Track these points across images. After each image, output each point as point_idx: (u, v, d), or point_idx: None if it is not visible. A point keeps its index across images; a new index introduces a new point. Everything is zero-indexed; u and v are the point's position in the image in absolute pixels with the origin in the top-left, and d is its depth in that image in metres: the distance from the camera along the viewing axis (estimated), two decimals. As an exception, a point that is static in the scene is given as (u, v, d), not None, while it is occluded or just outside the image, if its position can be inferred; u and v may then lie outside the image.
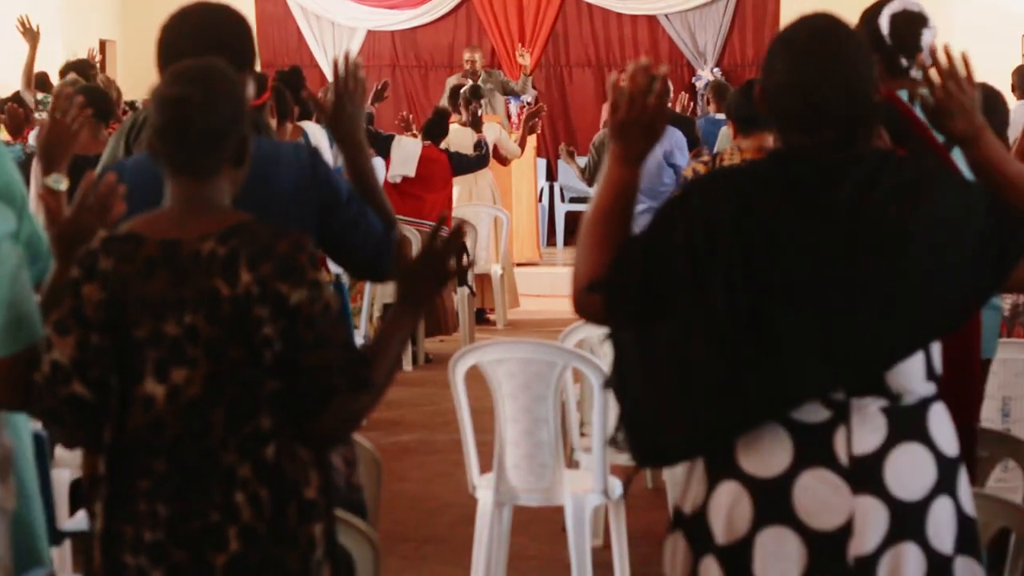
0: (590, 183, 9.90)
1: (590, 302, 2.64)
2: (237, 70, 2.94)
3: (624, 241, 2.64)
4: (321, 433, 2.59)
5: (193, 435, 2.52)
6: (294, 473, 2.55)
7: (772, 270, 2.51)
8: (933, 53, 2.93)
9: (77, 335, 2.54)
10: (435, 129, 10.12)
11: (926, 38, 3.78)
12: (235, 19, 3.15)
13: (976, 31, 12.10)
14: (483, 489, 4.77)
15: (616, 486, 4.79)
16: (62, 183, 3.63)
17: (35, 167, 3.99)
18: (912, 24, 3.78)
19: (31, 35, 9.98)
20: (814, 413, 2.54)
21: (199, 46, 2.96)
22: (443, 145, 10.09)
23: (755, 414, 2.53)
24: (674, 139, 8.28)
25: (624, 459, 5.16)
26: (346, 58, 3.28)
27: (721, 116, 9.67)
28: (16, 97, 9.70)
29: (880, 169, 2.57)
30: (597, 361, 4.73)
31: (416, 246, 2.82)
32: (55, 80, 10.08)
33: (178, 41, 3.06)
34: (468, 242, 9.15)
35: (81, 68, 9.65)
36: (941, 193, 2.56)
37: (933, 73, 2.88)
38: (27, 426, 3.33)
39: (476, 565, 4.76)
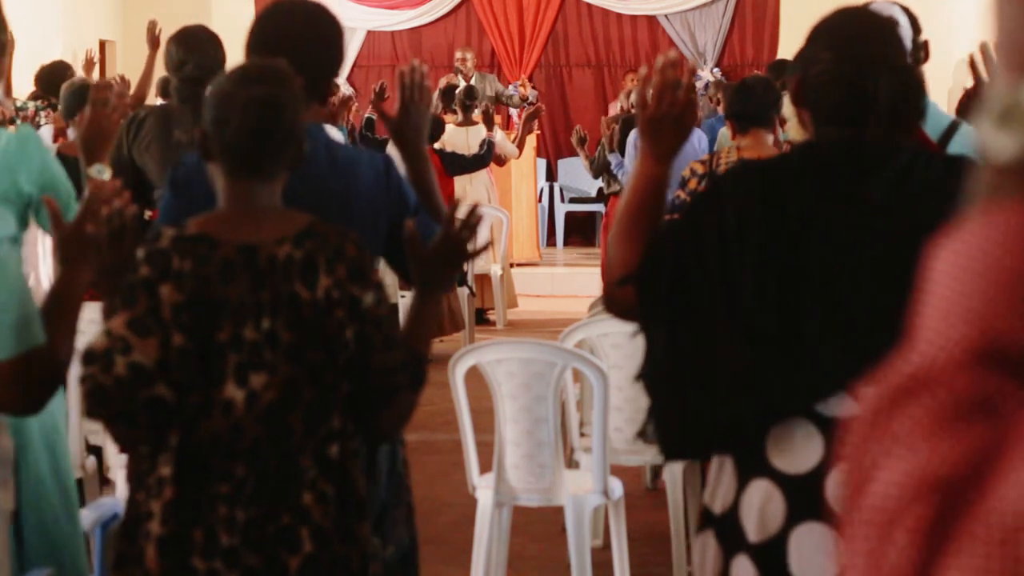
0: (596, 175, 9.93)
1: (622, 296, 2.63)
2: (327, 72, 3.02)
3: (655, 235, 2.64)
4: (380, 430, 2.64)
5: (272, 439, 2.52)
6: (354, 471, 2.58)
7: (802, 261, 2.50)
8: (983, 49, 2.90)
9: (159, 336, 2.51)
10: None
11: (901, 33, 3.78)
12: (329, 20, 3.16)
13: (976, 32, 12.07)
14: (483, 489, 4.77)
15: (616, 487, 4.78)
16: (106, 172, 3.65)
17: None
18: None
19: (89, 65, 9.99)
20: (844, 407, 2.53)
21: (296, 44, 2.99)
22: (437, 146, 10.10)
23: (782, 407, 2.52)
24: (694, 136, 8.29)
25: (624, 459, 5.17)
26: (412, 68, 3.26)
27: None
28: None
29: (912, 164, 2.56)
30: (597, 361, 4.73)
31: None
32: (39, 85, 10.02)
33: (273, 37, 3.07)
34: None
35: (59, 71, 9.60)
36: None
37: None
38: (60, 426, 3.31)
39: (476, 565, 4.75)
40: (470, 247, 2.75)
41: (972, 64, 2.89)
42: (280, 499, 2.52)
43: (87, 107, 3.74)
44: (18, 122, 8.35)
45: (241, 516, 2.51)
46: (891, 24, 2.65)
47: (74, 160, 5.79)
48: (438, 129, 10.08)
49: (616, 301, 2.67)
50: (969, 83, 2.91)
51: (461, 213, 2.75)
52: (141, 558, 2.54)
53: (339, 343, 2.53)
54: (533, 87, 14.24)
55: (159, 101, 12.02)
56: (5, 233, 2.76)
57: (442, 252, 2.74)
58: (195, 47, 5.11)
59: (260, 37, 3.10)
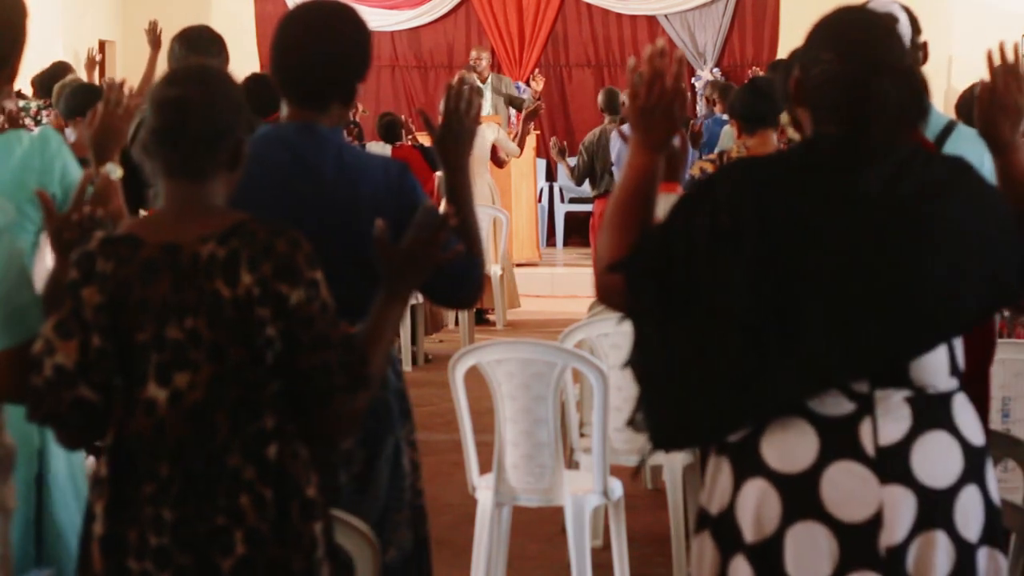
0: (579, 183, 9.91)
1: (611, 283, 2.63)
2: (352, 75, 3.02)
3: (647, 225, 2.64)
4: (321, 432, 2.59)
5: (197, 439, 2.51)
6: (296, 472, 2.55)
7: (798, 257, 2.50)
8: (1002, 48, 2.89)
9: (80, 338, 2.54)
10: (387, 134, 10.31)
11: (900, 31, 3.78)
12: (354, 20, 3.14)
13: (976, 31, 12.08)
14: (483, 490, 4.77)
15: (616, 487, 4.78)
16: (117, 172, 3.66)
17: None
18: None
19: (91, 63, 9.98)
20: (838, 406, 2.53)
21: (324, 45, 3.00)
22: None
23: (776, 402, 2.52)
24: None
25: (624, 459, 5.17)
26: (460, 80, 3.21)
27: (726, 116, 9.66)
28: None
29: (909, 163, 2.56)
30: (597, 362, 4.73)
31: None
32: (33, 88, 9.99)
33: (298, 39, 3.07)
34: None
35: (55, 71, 9.57)
36: (969, 191, 2.56)
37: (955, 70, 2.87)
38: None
39: (476, 565, 4.76)
40: (439, 253, 2.71)
41: (990, 60, 2.88)
42: (209, 499, 2.50)
43: (99, 106, 3.74)
44: (30, 121, 8.36)
45: (168, 516, 2.50)
46: (892, 24, 2.65)
47: (79, 160, 5.79)
48: (394, 130, 10.15)
49: (605, 288, 2.67)
50: (966, 83, 2.90)
51: (436, 217, 2.72)
52: (91, 559, 2.57)
53: (262, 341, 2.51)
54: (539, 79, 14.20)
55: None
56: (3, 223, 2.76)
57: (410, 255, 2.72)
58: (198, 47, 5.11)
59: (284, 38, 3.10)
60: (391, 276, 2.72)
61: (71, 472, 3.32)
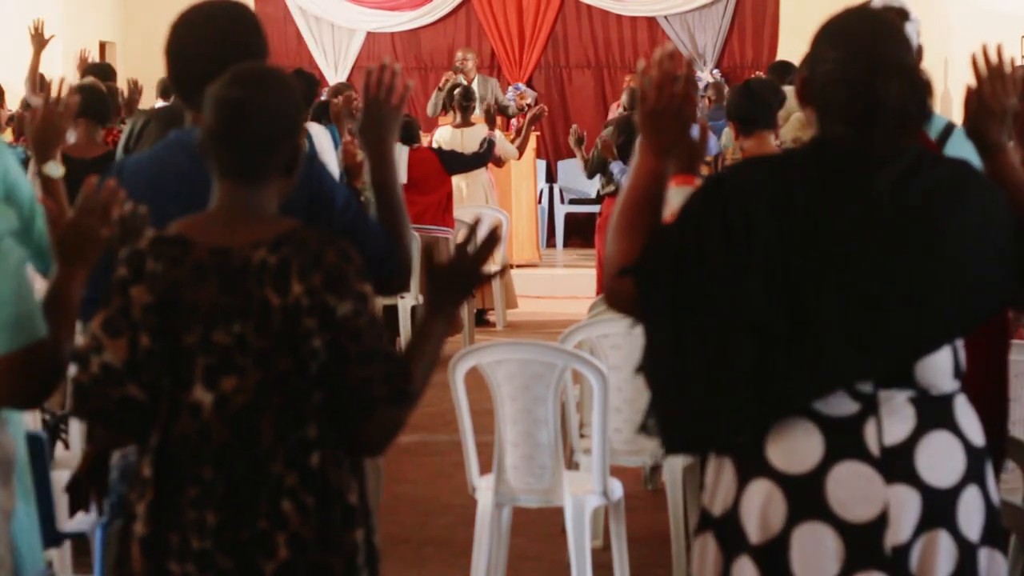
0: (590, 175, 9.92)
1: (621, 288, 2.63)
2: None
3: (655, 228, 2.63)
4: (363, 442, 2.58)
5: (241, 444, 2.51)
6: (338, 480, 2.54)
7: (807, 256, 2.50)
8: (985, 50, 2.90)
9: (128, 336, 2.52)
10: (405, 135, 10.24)
11: (908, 30, 3.79)
12: (243, 16, 3.12)
13: (974, 33, 12.09)
14: (483, 490, 4.77)
15: (616, 487, 4.79)
16: (58, 170, 3.66)
17: (32, 166, 4.01)
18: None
19: (39, 40, 9.97)
20: (843, 406, 2.53)
21: (213, 48, 2.96)
22: (435, 144, 10.12)
23: (785, 403, 2.52)
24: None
25: (624, 460, 5.18)
26: (382, 67, 3.18)
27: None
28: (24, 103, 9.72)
29: (918, 164, 2.56)
30: (597, 362, 4.73)
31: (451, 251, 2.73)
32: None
33: (190, 44, 3.05)
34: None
35: (101, 72, 9.59)
36: (975, 193, 2.57)
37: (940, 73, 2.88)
38: (22, 429, 3.33)
39: (476, 566, 4.76)
40: (483, 266, 2.66)
41: (974, 64, 2.89)
42: (252, 504, 2.50)
43: (39, 105, 3.75)
44: None
45: (211, 520, 2.50)
46: (899, 24, 2.65)
47: (79, 161, 5.80)
48: (412, 131, 10.07)
49: (616, 293, 2.66)
50: (963, 85, 2.89)
51: (482, 232, 2.66)
52: (130, 558, 2.56)
53: (308, 351, 2.50)
54: (529, 89, 14.20)
55: (159, 103, 12.03)
56: (6, 228, 2.76)
57: (456, 270, 2.66)
58: None
59: (177, 46, 3.07)
60: (436, 292, 2.67)
61: (18, 473, 3.29)
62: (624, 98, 10.89)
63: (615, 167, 9.10)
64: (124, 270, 2.56)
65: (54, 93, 3.75)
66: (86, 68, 9.19)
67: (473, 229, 2.67)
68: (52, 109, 3.73)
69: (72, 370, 2.56)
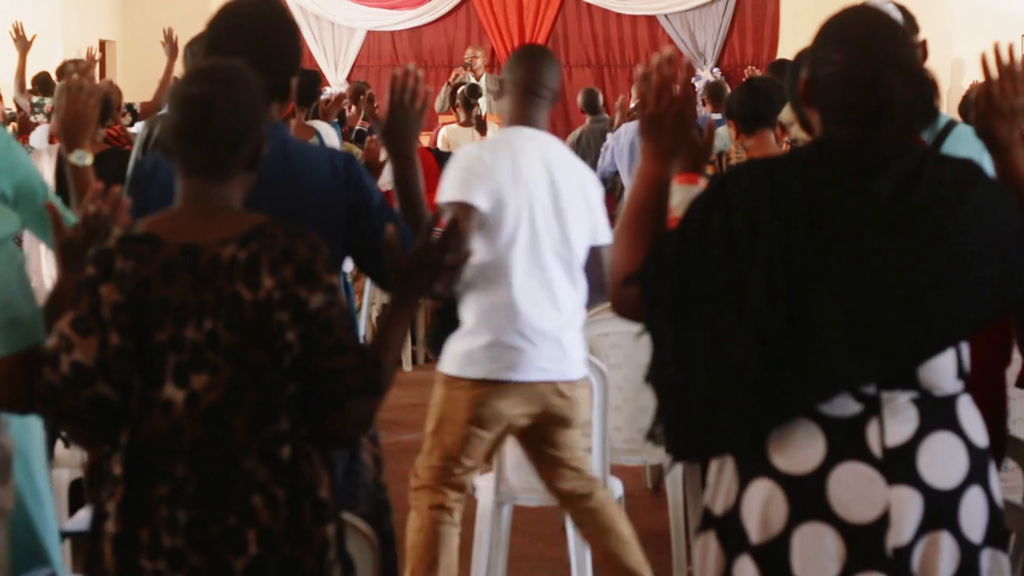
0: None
1: (627, 296, 2.62)
2: (286, 72, 3.00)
3: (660, 234, 2.62)
4: (332, 435, 2.58)
5: (213, 440, 2.50)
6: (309, 473, 2.54)
7: (811, 257, 2.49)
8: (996, 49, 2.89)
9: (98, 335, 2.52)
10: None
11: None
12: (280, 15, 3.14)
13: (977, 31, 12.09)
14: (483, 489, 4.77)
15: (616, 486, 4.78)
16: (87, 158, 3.66)
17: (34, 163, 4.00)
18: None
19: (22, 42, 9.98)
20: (845, 407, 2.52)
21: (249, 47, 2.97)
22: (440, 145, 10.09)
23: (789, 406, 2.51)
24: None
25: (624, 459, 5.17)
26: (406, 71, 3.25)
27: (717, 116, 9.65)
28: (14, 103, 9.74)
29: (922, 164, 2.55)
30: (597, 361, 4.73)
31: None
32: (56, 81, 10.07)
33: (225, 42, 3.05)
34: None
35: (45, 85, 9.63)
36: (980, 193, 2.55)
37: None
38: (38, 425, 3.32)
39: (476, 565, 4.75)
40: (448, 258, 2.68)
41: (984, 63, 2.87)
42: (224, 500, 2.50)
43: (64, 94, 3.74)
44: (42, 117, 8.38)
45: (183, 517, 2.49)
46: (899, 25, 2.64)
47: None
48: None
49: (623, 301, 2.65)
50: (967, 82, 2.88)
51: (443, 222, 2.70)
52: (101, 557, 2.55)
53: (281, 345, 2.50)
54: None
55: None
56: (6, 231, 2.76)
57: (419, 261, 2.68)
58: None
59: (214, 40, 3.09)
60: (400, 282, 2.69)
61: (28, 473, 3.29)
62: (580, 99, 10.84)
63: (605, 155, 9.09)
64: (92, 269, 2.56)
65: (78, 84, 3.74)
66: (64, 64, 9.20)
67: (432, 222, 2.70)
68: (76, 97, 3.72)
69: (41, 369, 2.54)
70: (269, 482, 2.50)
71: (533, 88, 4.17)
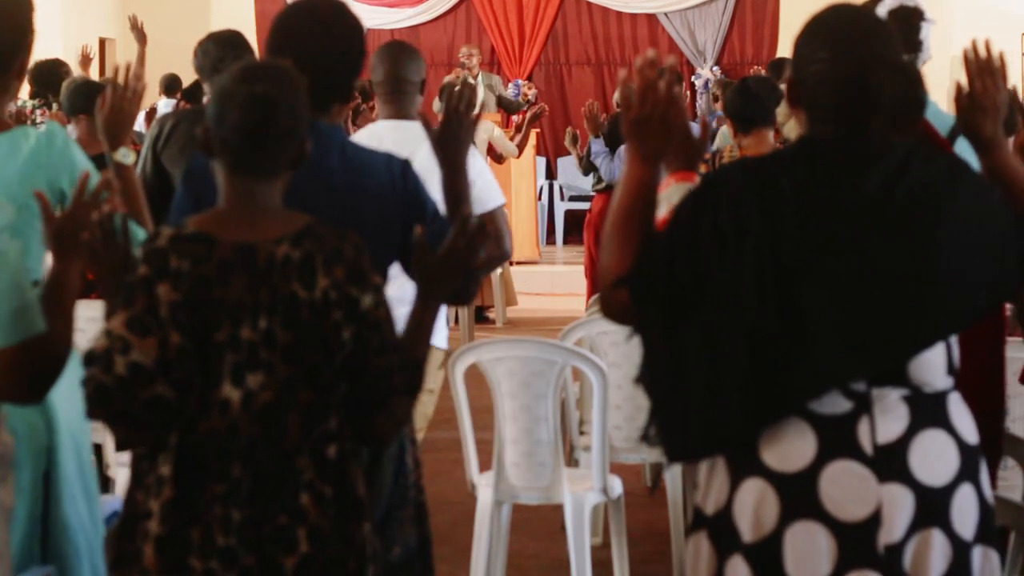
0: (585, 172, 9.92)
1: (617, 299, 2.62)
2: (349, 73, 3.05)
3: (648, 236, 2.63)
4: (375, 433, 2.61)
5: (268, 440, 2.52)
6: (353, 472, 2.57)
7: (799, 255, 2.49)
8: (975, 46, 2.89)
9: (157, 335, 2.51)
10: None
11: (924, 31, 3.78)
12: (347, 14, 3.14)
13: (976, 31, 12.09)
14: (482, 487, 4.77)
15: (616, 485, 4.79)
16: (130, 156, 3.67)
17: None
18: (910, 18, 3.78)
19: (139, 33, 9.98)
20: (836, 405, 2.52)
21: (316, 48, 3.00)
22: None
23: (780, 404, 2.51)
24: None
25: (624, 457, 5.18)
26: (464, 83, 3.29)
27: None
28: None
29: (909, 159, 2.56)
30: (596, 359, 4.73)
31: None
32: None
33: (291, 40, 3.05)
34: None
35: (50, 67, 9.57)
36: (968, 188, 2.56)
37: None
38: (85, 426, 3.33)
39: (476, 563, 4.76)
40: (476, 258, 2.71)
41: (965, 59, 2.88)
42: (276, 499, 2.51)
43: (108, 91, 3.74)
44: (39, 121, 8.37)
45: (236, 516, 2.50)
46: (884, 23, 2.64)
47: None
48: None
49: (612, 304, 2.65)
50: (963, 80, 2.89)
51: (472, 224, 2.72)
52: (139, 557, 2.53)
53: (336, 344, 2.52)
54: (532, 87, 14.21)
55: (161, 99, 11.98)
56: (3, 222, 2.76)
57: (448, 261, 2.70)
58: (233, 44, 5.11)
59: (277, 37, 3.09)
60: (427, 282, 2.72)
61: (80, 470, 3.33)
62: (617, 95, 10.86)
63: (595, 144, 9.08)
64: (145, 268, 2.54)
65: (120, 79, 3.74)
66: (35, 67, 9.17)
67: (464, 222, 2.71)
68: (121, 95, 3.73)
69: (84, 371, 2.51)
70: (316, 480, 2.52)
71: (398, 85, 4.60)
